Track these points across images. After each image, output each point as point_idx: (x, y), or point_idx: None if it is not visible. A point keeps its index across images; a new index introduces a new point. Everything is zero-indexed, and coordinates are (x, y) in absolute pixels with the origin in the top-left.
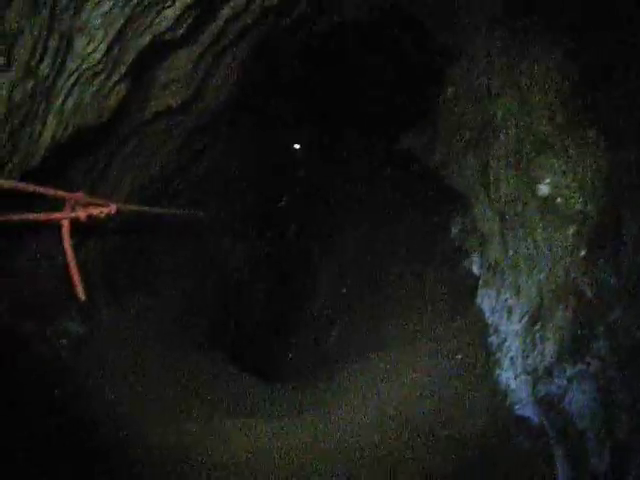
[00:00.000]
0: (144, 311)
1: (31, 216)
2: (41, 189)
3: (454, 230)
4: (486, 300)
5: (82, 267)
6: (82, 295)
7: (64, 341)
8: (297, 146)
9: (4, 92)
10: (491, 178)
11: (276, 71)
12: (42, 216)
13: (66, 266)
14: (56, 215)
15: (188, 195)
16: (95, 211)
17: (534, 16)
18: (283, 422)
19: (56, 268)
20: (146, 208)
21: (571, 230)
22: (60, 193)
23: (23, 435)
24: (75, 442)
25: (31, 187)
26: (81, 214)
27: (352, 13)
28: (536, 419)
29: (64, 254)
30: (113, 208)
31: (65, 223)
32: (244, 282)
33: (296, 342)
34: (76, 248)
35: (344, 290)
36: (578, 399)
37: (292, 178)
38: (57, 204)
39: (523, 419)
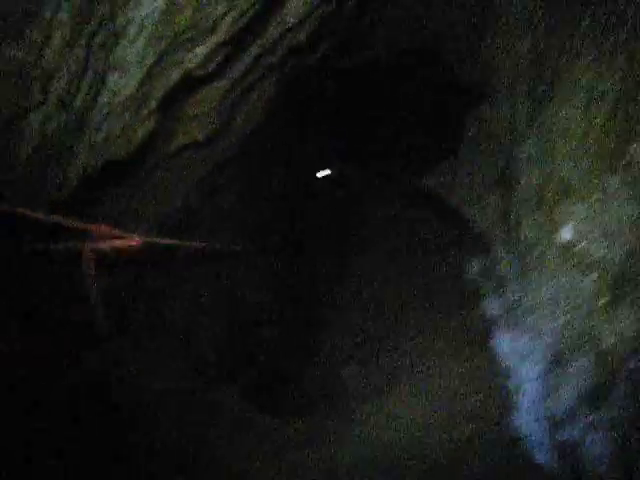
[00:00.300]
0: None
1: (58, 246)
2: (68, 222)
3: (472, 271)
4: (503, 342)
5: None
6: (103, 328)
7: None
8: (320, 174)
9: (38, 125)
10: (512, 220)
11: (301, 107)
12: (68, 247)
13: (87, 298)
14: (81, 246)
15: (209, 226)
16: (119, 243)
17: (560, 59)
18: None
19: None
20: (171, 241)
21: (592, 277)
22: (86, 225)
23: None
24: None
25: (59, 219)
26: (105, 246)
27: (379, 52)
28: (553, 464)
29: (87, 286)
30: (136, 240)
31: (89, 255)
32: (262, 315)
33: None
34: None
35: (361, 327)
36: (596, 446)
37: (313, 213)
38: (83, 235)
39: (539, 464)
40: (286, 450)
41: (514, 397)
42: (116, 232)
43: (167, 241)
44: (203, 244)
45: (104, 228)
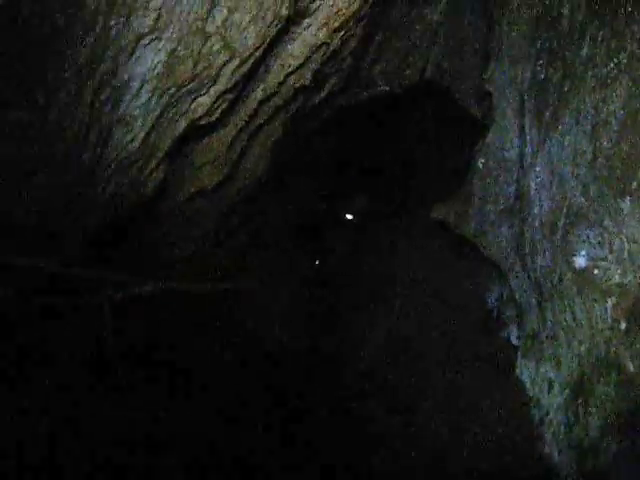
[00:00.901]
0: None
1: (75, 299)
2: (85, 272)
3: (491, 300)
4: (525, 372)
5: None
6: (123, 380)
7: None
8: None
9: (45, 183)
10: (526, 249)
11: (306, 145)
12: (85, 298)
13: (105, 346)
14: (97, 297)
15: (225, 268)
16: (134, 290)
17: (564, 85)
18: None
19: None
20: (186, 284)
21: (610, 302)
22: (100, 274)
23: None
24: None
25: (76, 270)
26: (121, 295)
27: (381, 86)
28: None
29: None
30: (151, 287)
31: (105, 304)
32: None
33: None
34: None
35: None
36: (624, 476)
37: (330, 246)
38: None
39: None
40: None
41: (540, 427)
42: (131, 279)
43: (182, 285)
44: (219, 284)
45: (119, 276)
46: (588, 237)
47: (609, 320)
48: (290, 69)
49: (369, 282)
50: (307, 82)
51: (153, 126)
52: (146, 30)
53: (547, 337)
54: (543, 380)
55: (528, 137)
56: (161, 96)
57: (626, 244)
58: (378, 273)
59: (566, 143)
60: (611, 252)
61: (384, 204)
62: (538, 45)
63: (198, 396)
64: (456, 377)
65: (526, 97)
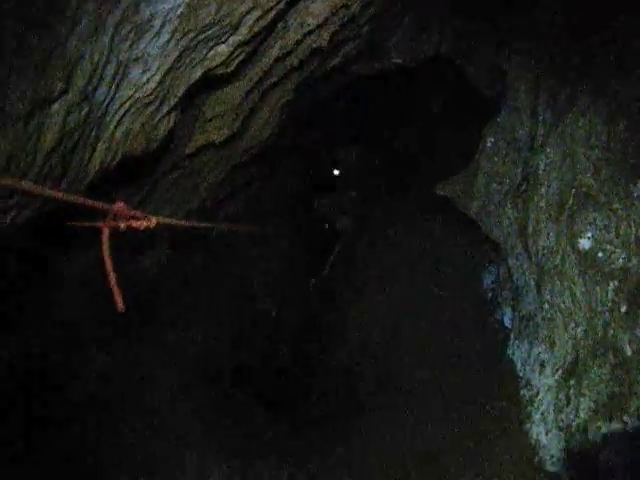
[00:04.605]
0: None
1: (75, 223)
2: (87, 200)
3: (487, 281)
4: (517, 353)
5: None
6: (121, 306)
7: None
8: (336, 172)
9: (60, 117)
10: (530, 230)
11: (317, 111)
12: (86, 224)
13: (104, 277)
14: (98, 223)
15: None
16: (135, 223)
17: (583, 66)
18: None
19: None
20: (189, 223)
21: (612, 286)
22: (103, 204)
23: None
24: None
25: (77, 198)
26: (121, 224)
27: (396, 59)
28: (566, 476)
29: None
30: (153, 222)
31: (105, 231)
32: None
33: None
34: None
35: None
36: (612, 458)
37: (329, 213)
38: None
39: (553, 475)
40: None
41: (529, 407)
42: (133, 212)
43: (185, 223)
44: (223, 225)
45: (121, 207)
46: (595, 220)
47: (609, 303)
48: (309, 28)
49: (365, 258)
50: (324, 44)
51: (170, 69)
52: None
53: (543, 319)
54: (535, 361)
55: (541, 118)
56: (181, 39)
57: (633, 228)
58: (375, 249)
59: (580, 124)
60: (617, 236)
61: (388, 178)
62: (558, 22)
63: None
64: (446, 357)
65: (542, 78)
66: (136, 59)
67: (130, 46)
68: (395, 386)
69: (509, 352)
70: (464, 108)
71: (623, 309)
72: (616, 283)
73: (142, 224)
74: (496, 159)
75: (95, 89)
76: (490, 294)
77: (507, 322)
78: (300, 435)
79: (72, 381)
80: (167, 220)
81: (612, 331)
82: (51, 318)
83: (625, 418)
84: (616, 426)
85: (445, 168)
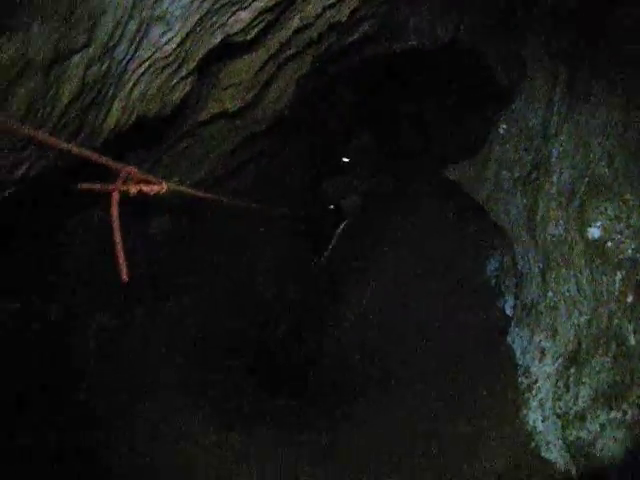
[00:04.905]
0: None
1: (84, 185)
2: (101, 157)
3: (490, 268)
4: (518, 340)
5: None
6: (125, 274)
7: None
8: (346, 160)
9: (80, 70)
10: (539, 217)
11: (330, 89)
12: (96, 186)
13: (111, 242)
14: (108, 186)
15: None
16: (146, 187)
17: (600, 56)
18: None
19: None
20: (200, 193)
21: (619, 275)
22: (115, 164)
23: None
24: None
25: (92, 154)
26: (132, 188)
27: (412, 41)
28: (562, 463)
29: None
30: (164, 187)
31: (115, 195)
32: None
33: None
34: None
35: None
36: (610, 446)
37: (338, 192)
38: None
39: (548, 462)
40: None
41: (527, 394)
42: (144, 176)
43: (196, 192)
44: (234, 200)
45: (132, 170)
46: (606, 209)
47: (616, 293)
48: (329, 2)
49: (369, 240)
50: (343, 19)
51: (190, 32)
52: None
53: (546, 307)
54: (535, 349)
55: (556, 106)
56: (204, 0)
57: None
58: (380, 232)
59: (596, 114)
60: (628, 226)
61: (398, 161)
62: (576, 12)
63: None
64: (445, 343)
65: (561, 66)
66: (158, 18)
67: (153, 4)
68: (391, 369)
69: (509, 340)
70: (479, 94)
71: (629, 299)
72: (623, 273)
73: (153, 189)
74: (508, 146)
75: (115, 46)
76: (493, 281)
77: (508, 310)
78: (292, 412)
79: (71, 338)
80: (178, 187)
81: (617, 321)
82: (54, 279)
83: (625, 407)
84: (615, 414)
85: (456, 153)
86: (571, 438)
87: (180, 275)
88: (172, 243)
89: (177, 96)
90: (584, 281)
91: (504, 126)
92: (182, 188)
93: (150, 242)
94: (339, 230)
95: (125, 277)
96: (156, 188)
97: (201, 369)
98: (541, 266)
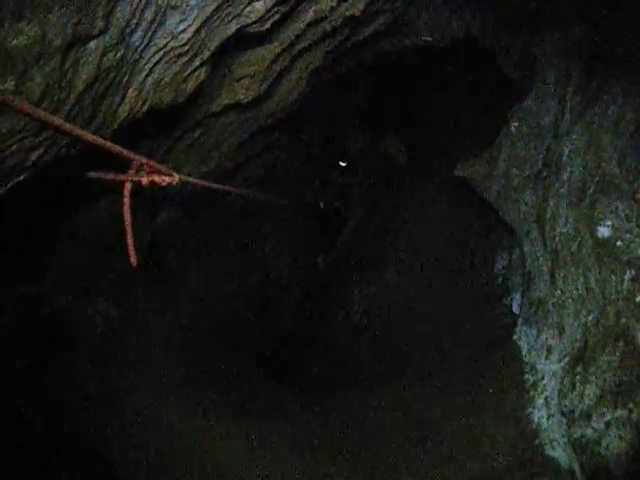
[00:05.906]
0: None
1: (96, 174)
2: (115, 147)
3: (498, 266)
4: (524, 338)
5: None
6: (134, 260)
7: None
8: (343, 164)
9: (96, 56)
10: (548, 215)
11: (342, 84)
12: (109, 176)
13: (122, 229)
14: (120, 176)
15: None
16: (158, 178)
17: (615, 52)
18: None
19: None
20: (211, 184)
21: (628, 275)
22: (129, 153)
23: None
24: None
25: (105, 143)
26: (144, 179)
27: (426, 37)
28: (566, 461)
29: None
30: (175, 178)
31: (127, 185)
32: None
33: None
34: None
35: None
36: (615, 445)
37: (348, 185)
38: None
39: (552, 459)
40: None
41: (532, 392)
42: (157, 166)
43: (207, 183)
44: (245, 191)
45: (145, 160)
46: (617, 208)
47: (624, 292)
48: None
49: (376, 236)
50: (358, 12)
51: (206, 21)
52: None
53: (554, 305)
54: (542, 347)
55: (569, 105)
56: None
57: None
58: (386, 228)
59: (609, 112)
60: (638, 225)
61: (407, 157)
62: (590, 8)
63: None
64: (451, 338)
65: (574, 65)
66: (175, 6)
67: None
68: (397, 360)
69: (515, 337)
70: (490, 91)
71: (638, 299)
72: (633, 272)
73: (165, 180)
74: (519, 144)
75: (132, 33)
76: (501, 279)
77: (515, 308)
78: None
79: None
80: (189, 179)
81: (625, 320)
82: (60, 266)
83: (630, 406)
84: (621, 413)
85: (466, 150)
86: (576, 436)
87: (187, 264)
88: (180, 233)
89: (191, 85)
90: (593, 280)
91: (515, 124)
92: (193, 180)
93: (157, 232)
94: (348, 228)
95: (135, 263)
96: (168, 179)
97: (204, 355)
98: (550, 264)
